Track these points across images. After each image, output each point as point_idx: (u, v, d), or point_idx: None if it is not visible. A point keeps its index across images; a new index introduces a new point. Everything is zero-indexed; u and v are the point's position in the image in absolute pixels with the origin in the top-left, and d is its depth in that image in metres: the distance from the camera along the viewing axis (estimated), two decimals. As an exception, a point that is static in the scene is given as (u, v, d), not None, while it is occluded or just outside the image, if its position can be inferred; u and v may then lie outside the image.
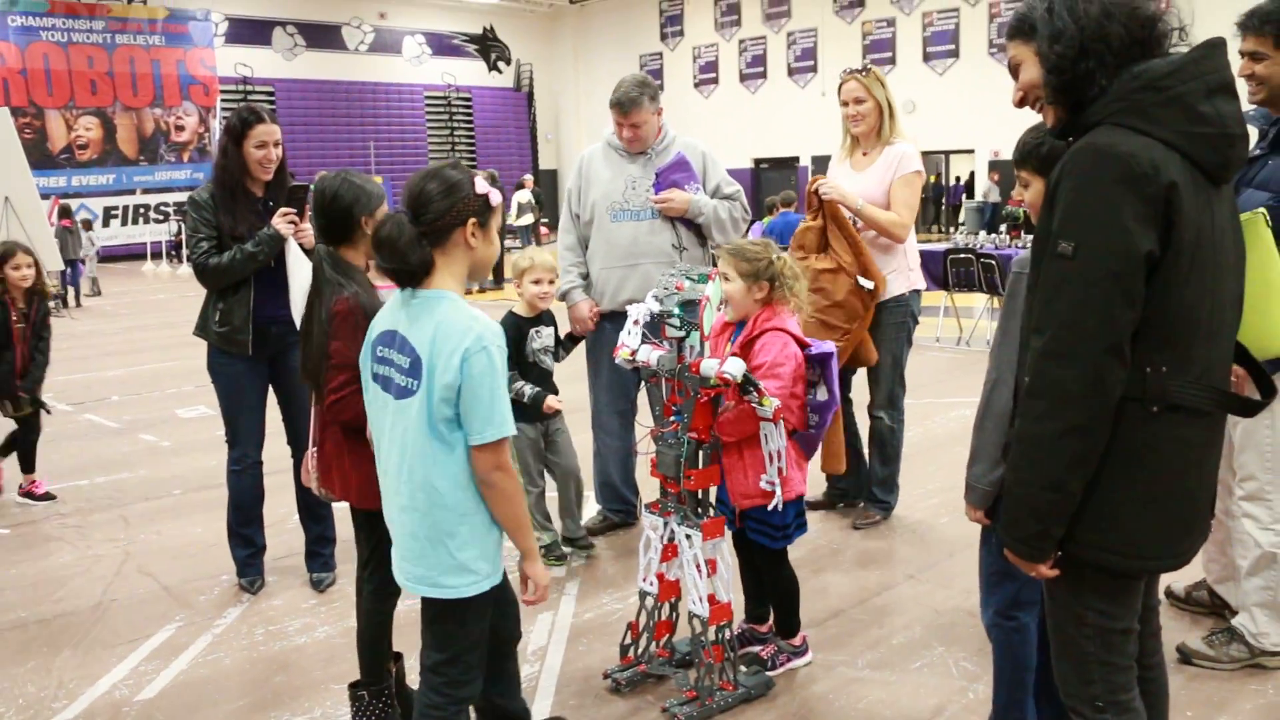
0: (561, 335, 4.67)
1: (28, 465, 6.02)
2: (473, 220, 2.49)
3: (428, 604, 2.62)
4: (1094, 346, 1.92)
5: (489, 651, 2.74)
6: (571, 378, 5.07)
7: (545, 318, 4.55)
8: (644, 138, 4.75)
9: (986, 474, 2.65)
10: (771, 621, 3.79)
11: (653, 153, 4.78)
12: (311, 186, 3.65)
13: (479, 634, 2.64)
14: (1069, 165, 1.99)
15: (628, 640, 3.61)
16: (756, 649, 3.68)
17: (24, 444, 5.99)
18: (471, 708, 2.82)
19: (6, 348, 5.74)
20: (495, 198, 2.54)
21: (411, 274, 2.47)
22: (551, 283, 4.53)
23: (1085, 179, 1.95)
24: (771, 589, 3.71)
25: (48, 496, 6.00)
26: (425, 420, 2.43)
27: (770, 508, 3.40)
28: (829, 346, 3.47)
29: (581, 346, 4.94)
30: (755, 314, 3.47)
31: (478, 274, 2.61)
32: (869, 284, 4.66)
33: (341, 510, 5.44)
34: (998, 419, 2.59)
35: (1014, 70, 2.22)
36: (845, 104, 4.84)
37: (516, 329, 4.48)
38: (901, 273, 4.88)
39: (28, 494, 5.99)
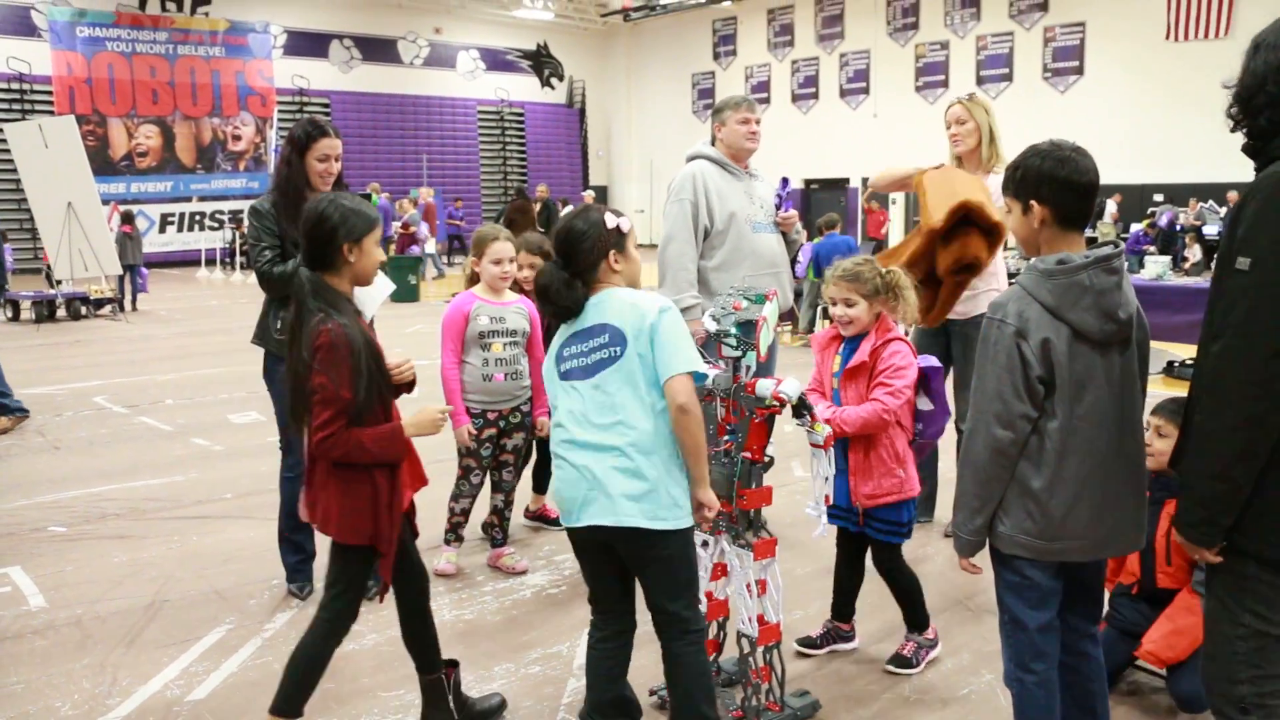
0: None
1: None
2: (612, 252, 2.94)
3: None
4: (1264, 350, 2.08)
5: None
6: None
7: None
8: None
9: (968, 522, 2.66)
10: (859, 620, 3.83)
11: (749, 172, 4.96)
12: (373, 196, 3.70)
13: None
14: (1256, 188, 2.13)
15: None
16: (900, 649, 3.85)
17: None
18: None
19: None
20: (625, 226, 2.98)
21: (570, 311, 2.94)
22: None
23: (1268, 201, 2.10)
24: (897, 589, 3.88)
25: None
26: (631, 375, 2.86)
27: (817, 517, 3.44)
28: (934, 361, 3.76)
29: None
30: (873, 325, 3.70)
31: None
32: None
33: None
34: (974, 469, 2.62)
35: None
36: (948, 125, 5.09)
37: None
38: (995, 290, 5.02)
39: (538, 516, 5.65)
